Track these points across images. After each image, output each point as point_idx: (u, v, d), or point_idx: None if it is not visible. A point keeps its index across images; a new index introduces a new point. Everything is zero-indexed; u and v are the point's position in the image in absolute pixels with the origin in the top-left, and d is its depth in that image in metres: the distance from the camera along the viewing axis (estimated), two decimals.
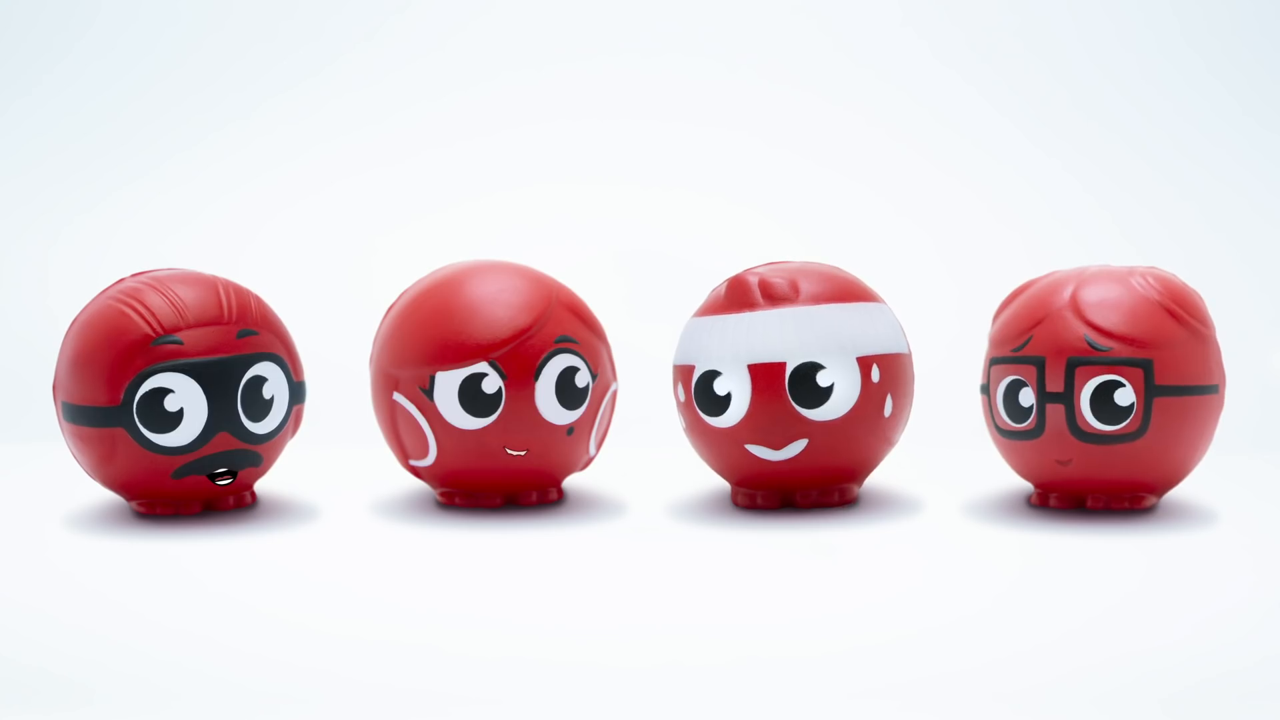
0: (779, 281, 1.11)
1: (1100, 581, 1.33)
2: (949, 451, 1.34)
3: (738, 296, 1.12)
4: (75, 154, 1.46)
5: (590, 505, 1.71)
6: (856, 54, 2.07)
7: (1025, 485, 1.24)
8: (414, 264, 2.42)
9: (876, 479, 1.26)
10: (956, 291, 2.29)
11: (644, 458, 1.89)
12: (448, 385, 1.09)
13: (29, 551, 1.47)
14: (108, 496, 1.45)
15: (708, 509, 1.67)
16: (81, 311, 1.13)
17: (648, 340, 1.94)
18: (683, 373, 1.15)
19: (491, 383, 1.08)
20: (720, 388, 1.10)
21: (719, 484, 1.77)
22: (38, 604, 1.29)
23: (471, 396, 1.09)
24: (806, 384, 1.08)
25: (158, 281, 1.10)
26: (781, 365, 1.09)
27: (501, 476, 1.18)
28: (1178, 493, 1.48)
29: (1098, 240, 2.33)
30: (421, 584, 1.32)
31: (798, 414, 1.10)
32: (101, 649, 1.18)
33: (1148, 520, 1.56)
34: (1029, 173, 2.39)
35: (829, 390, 1.10)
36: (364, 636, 1.20)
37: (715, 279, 2.00)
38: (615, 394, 1.21)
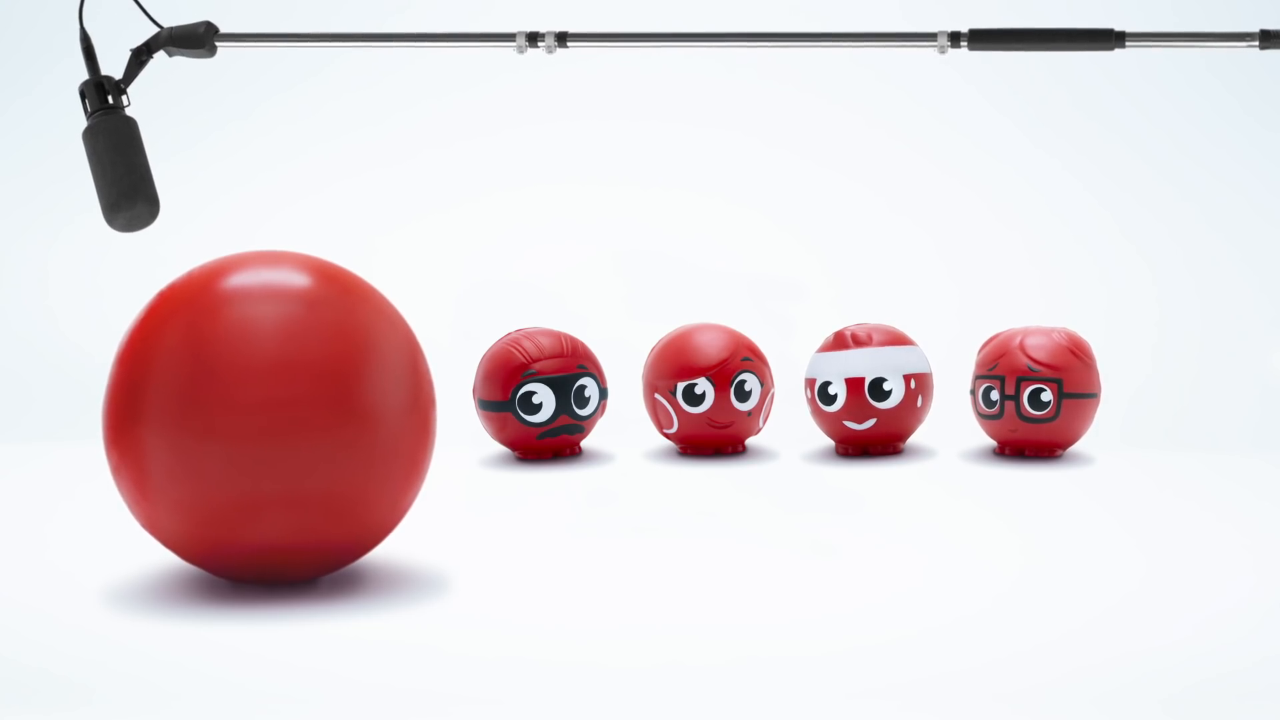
0: (860, 333, 1.81)
1: (1100, 581, 1.33)
2: (951, 425, 1.90)
3: (839, 342, 1.82)
4: (75, 154, 1.46)
5: (589, 502, 1.72)
6: (856, 54, 2.07)
7: (991, 442, 1.87)
8: (414, 264, 2.45)
9: (912, 440, 1.91)
10: (956, 290, 2.29)
11: (641, 454, 1.91)
12: (682, 389, 1.81)
13: (29, 551, 1.47)
14: (104, 499, 1.43)
15: (707, 508, 1.68)
16: (489, 349, 1.84)
17: (647, 339, 1.95)
18: (810, 383, 1.83)
19: (704, 387, 1.81)
20: (830, 390, 1.80)
21: (717, 481, 1.78)
22: (38, 604, 1.29)
23: (691, 397, 1.81)
24: (876, 389, 1.79)
25: (528, 334, 1.83)
26: (863, 379, 1.79)
27: (709, 440, 1.85)
28: (1178, 492, 1.70)
29: (1098, 240, 2.33)
30: (422, 585, 1.32)
31: (871, 405, 1.80)
32: (101, 649, 1.18)
33: (1148, 520, 1.57)
34: (1028, 172, 2.38)
35: (889, 393, 1.79)
36: (364, 637, 1.20)
37: (715, 279, 2.11)
38: (773, 394, 1.86)
